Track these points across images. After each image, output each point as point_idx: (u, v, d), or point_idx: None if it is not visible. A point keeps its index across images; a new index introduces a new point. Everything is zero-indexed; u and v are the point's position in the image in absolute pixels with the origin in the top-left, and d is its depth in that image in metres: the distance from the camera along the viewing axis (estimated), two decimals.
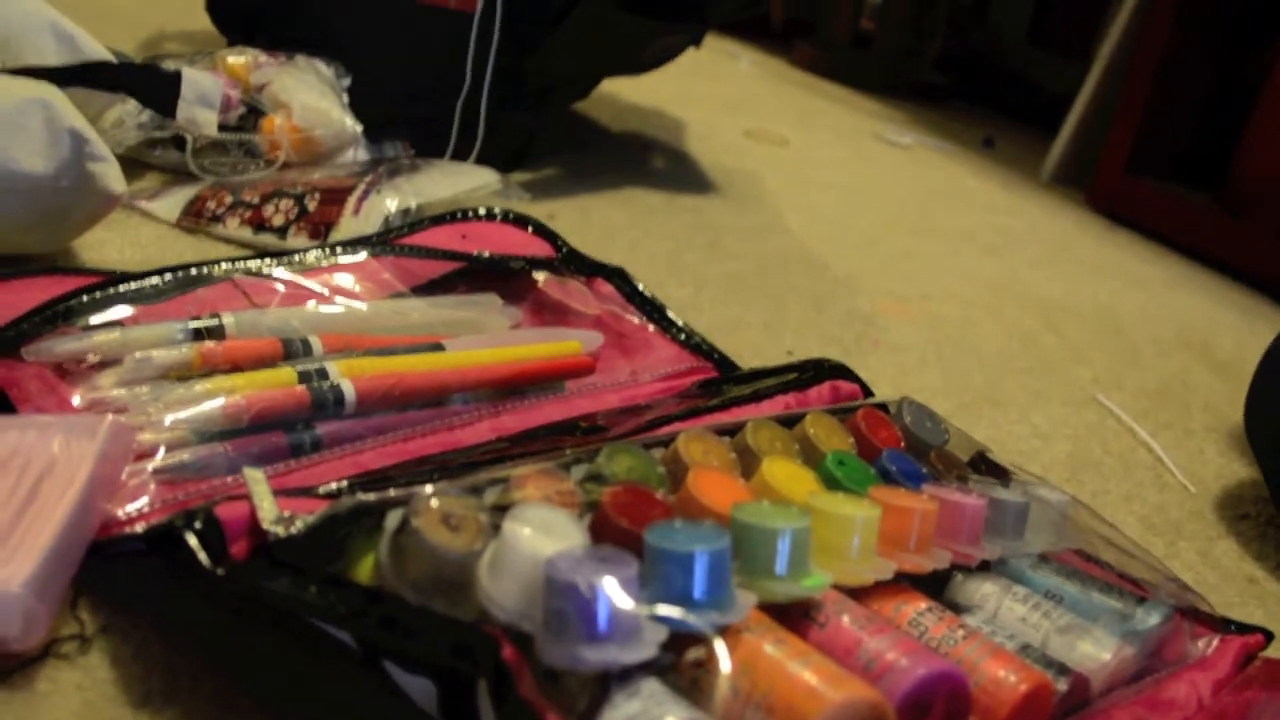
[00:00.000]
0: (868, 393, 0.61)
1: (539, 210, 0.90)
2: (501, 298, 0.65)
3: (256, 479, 0.39)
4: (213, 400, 0.47)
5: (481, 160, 0.95)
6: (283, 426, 0.48)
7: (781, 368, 0.62)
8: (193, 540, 0.36)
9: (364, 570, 0.37)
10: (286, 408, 0.49)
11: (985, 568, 0.47)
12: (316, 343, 0.55)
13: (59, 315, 0.51)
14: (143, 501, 0.42)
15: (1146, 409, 0.84)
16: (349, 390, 0.51)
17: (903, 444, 0.53)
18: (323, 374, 0.51)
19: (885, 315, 0.91)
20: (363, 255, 0.65)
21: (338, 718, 0.38)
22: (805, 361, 0.62)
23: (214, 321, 0.53)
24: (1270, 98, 1.37)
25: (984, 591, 0.46)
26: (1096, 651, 0.43)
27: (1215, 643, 0.48)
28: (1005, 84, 2.19)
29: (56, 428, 0.42)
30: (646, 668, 0.33)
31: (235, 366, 0.51)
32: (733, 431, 0.49)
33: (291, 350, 0.53)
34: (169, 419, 0.46)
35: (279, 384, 0.50)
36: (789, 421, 0.51)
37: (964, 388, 0.81)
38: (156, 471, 0.44)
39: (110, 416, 0.43)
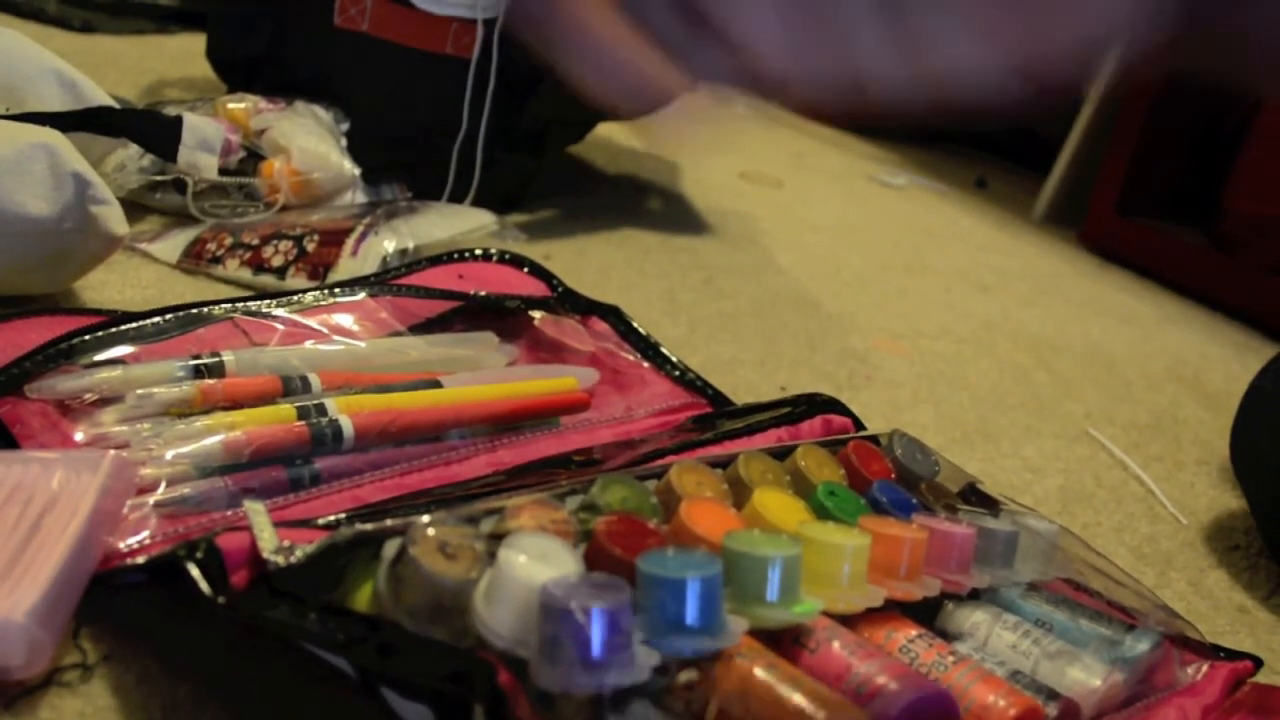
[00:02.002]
0: (859, 426, 0.62)
1: (535, 251, 0.91)
2: (498, 336, 0.66)
3: (257, 510, 0.39)
4: (213, 436, 0.48)
5: (478, 202, 0.96)
6: (282, 461, 0.49)
7: (774, 402, 0.63)
8: (194, 570, 0.37)
9: (362, 598, 0.37)
10: (286, 443, 0.49)
11: (975, 596, 0.48)
12: (315, 380, 0.55)
13: (61, 354, 0.52)
14: (144, 534, 0.43)
15: (1138, 442, 0.85)
16: (347, 426, 0.51)
17: (893, 476, 0.53)
18: (321, 410, 0.52)
19: (878, 353, 0.92)
20: (361, 295, 0.65)
21: None
22: (797, 396, 0.63)
23: (214, 359, 0.54)
24: (1257, 137, 1.39)
25: (974, 619, 0.46)
26: (1086, 678, 0.44)
27: (1204, 669, 0.49)
28: (997, 125, 2.21)
29: (59, 463, 0.42)
30: (639, 691, 0.34)
31: (235, 403, 0.52)
32: (725, 464, 0.50)
33: (291, 387, 0.54)
34: (170, 454, 0.46)
35: (279, 420, 0.50)
36: (781, 454, 0.52)
37: (956, 423, 0.81)
38: (158, 505, 0.44)
39: (112, 452, 0.44)
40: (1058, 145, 1.69)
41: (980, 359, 0.97)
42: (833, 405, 0.62)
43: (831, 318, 0.98)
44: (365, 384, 0.56)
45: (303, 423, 0.50)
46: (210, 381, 0.52)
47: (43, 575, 0.37)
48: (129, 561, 0.41)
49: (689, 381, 0.68)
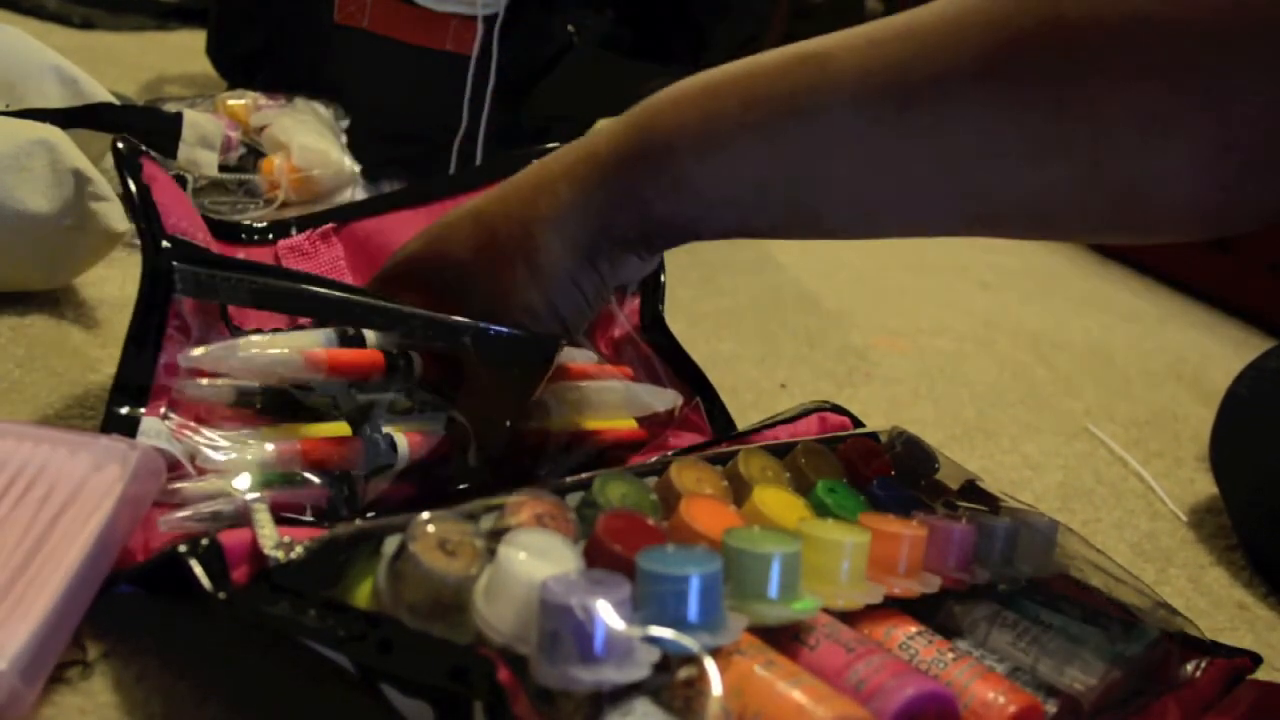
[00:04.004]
0: (857, 424, 0.62)
1: None
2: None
3: (258, 506, 0.39)
4: (267, 444, 0.46)
5: None
6: (327, 484, 0.47)
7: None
8: (195, 566, 0.37)
9: (362, 595, 0.37)
10: (340, 455, 0.48)
11: (975, 593, 0.48)
12: (417, 361, 0.53)
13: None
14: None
15: (1137, 439, 0.85)
16: (402, 443, 0.49)
17: (893, 472, 0.53)
18: (376, 426, 0.50)
19: (878, 350, 0.92)
20: None
21: None
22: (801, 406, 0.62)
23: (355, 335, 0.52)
24: None
25: (974, 616, 0.46)
26: (1085, 674, 0.44)
27: (1204, 666, 0.49)
28: None
29: (88, 449, 0.41)
30: (639, 688, 0.34)
31: (338, 373, 0.49)
32: (724, 460, 0.50)
33: (393, 363, 0.52)
34: (221, 458, 0.45)
35: (334, 434, 0.49)
36: (780, 451, 0.52)
37: (956, 419, 0.81)
38: (194, 520, 0.42)
39: (143, 445, 0.42)
40: None
41: (980, 356, 0.97)
42: (831, 405, 0.62)
43: (831, 315, 0.98)
44: None
45: (358, 437, 0.49)
46: (313, 350, 0.49)
47: (37, 609, 0.35)
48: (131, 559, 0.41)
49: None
